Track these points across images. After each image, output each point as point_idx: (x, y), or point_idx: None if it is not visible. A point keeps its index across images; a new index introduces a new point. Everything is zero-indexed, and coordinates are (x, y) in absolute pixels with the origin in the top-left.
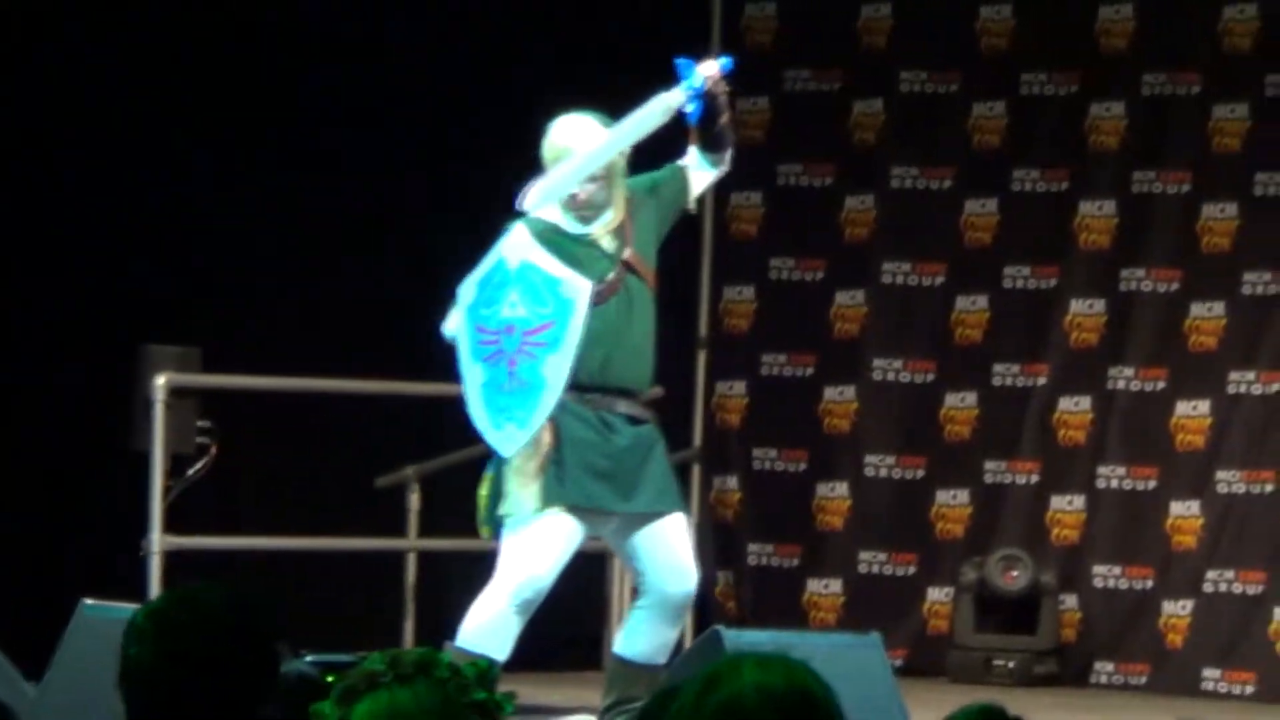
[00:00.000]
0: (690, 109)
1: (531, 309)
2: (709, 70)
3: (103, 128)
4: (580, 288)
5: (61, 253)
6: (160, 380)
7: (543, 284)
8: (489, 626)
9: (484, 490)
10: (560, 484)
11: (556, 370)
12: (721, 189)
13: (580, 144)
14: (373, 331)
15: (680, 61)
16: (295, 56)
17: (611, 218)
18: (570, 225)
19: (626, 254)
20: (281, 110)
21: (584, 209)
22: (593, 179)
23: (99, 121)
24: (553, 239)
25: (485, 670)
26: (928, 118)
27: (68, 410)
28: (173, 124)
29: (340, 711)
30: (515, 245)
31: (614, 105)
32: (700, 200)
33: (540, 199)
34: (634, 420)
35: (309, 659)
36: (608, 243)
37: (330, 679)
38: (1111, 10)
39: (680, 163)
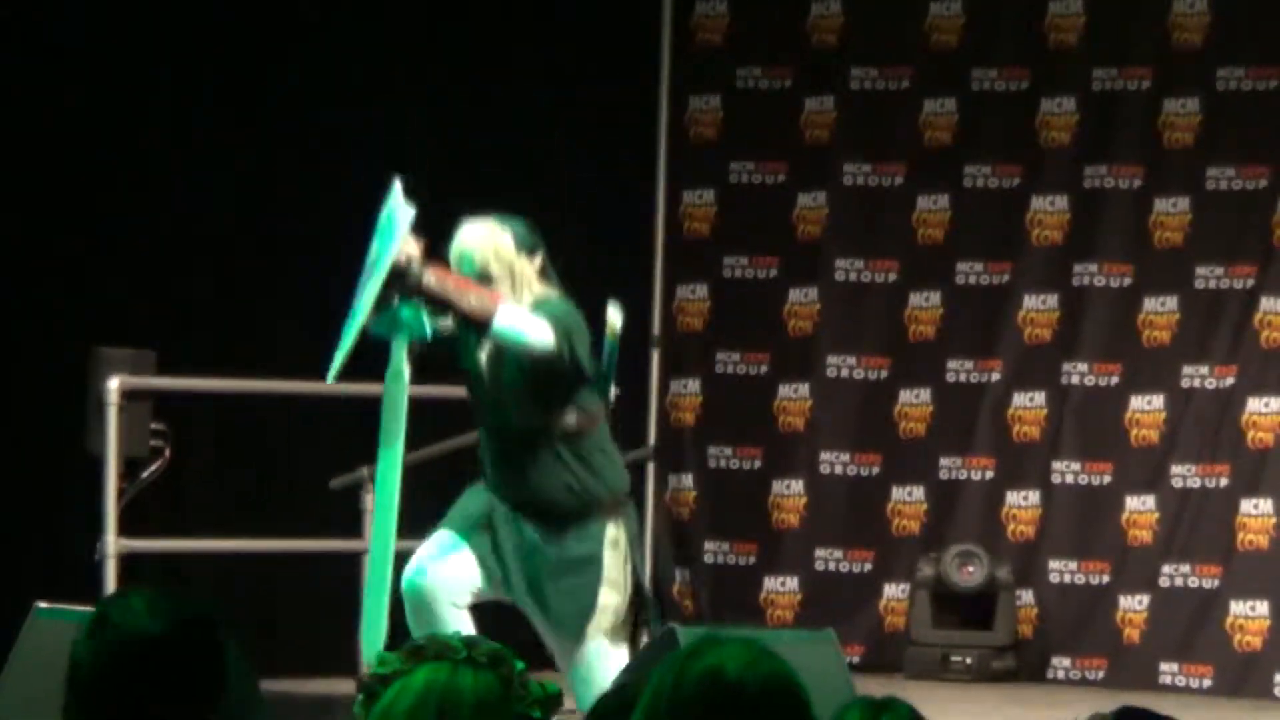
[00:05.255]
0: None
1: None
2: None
3: (57, 129)
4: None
5: (14, 254)
6: (114, 383)
7: (385, 222)
8: None
9: None
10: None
11: (367, 294)
12: (673, 187)
13: (478, 247)
14: (325, 332)
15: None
16: (252, 60)
17: None
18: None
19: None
20: (237, 112)
21: None
22: (489, 277)
23: (53, 123)
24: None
25: (552, 694)
26: (879, 115)
27: (21, 413)
28: (128, 125)
29: (405, 666)
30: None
31: (561, 111)
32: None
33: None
34: (549, 534)
35: None
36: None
37: None
38: (1061, 6)
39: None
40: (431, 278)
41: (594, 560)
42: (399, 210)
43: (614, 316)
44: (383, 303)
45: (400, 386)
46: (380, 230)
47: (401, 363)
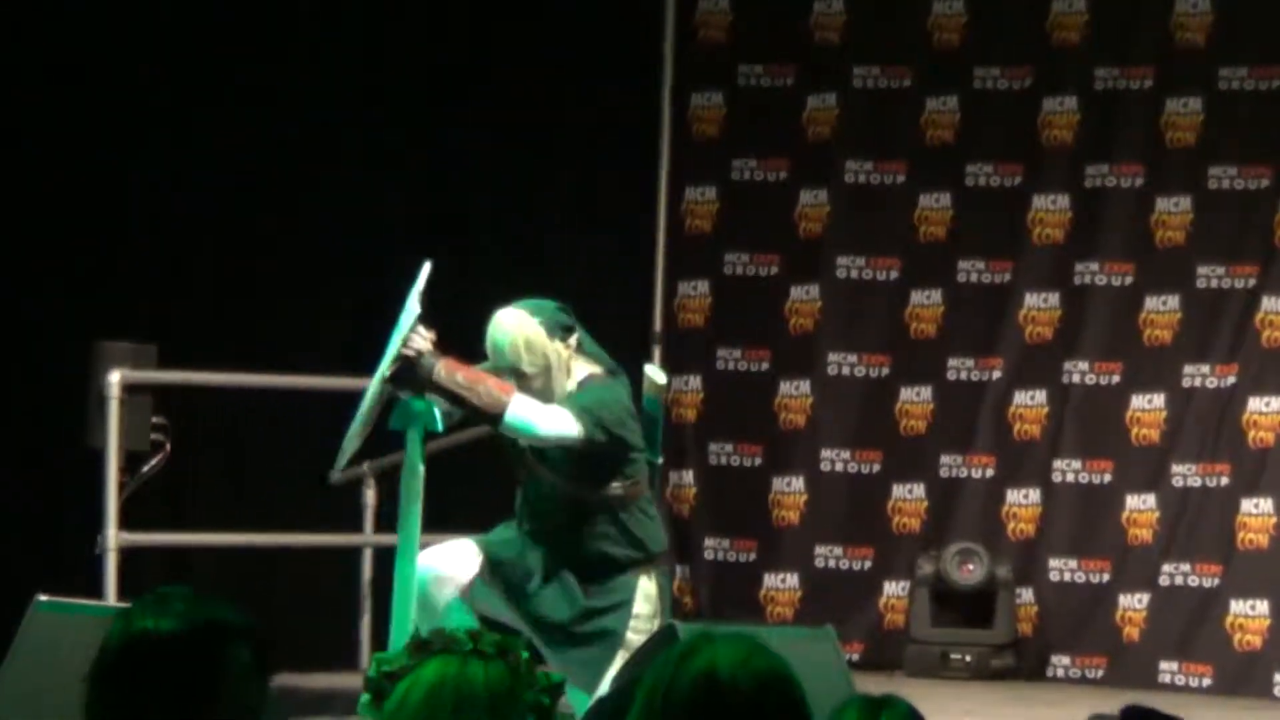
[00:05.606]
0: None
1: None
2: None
3: (57, 124)
4: (411, 311)
5: (16, 250)
6: (115, 377)
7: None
8: None
9: None
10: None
11: (371, 391)
12: (675, 184)
13: (508, 339)
14: (327, 327)
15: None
16: (252, 60)
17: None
18: None
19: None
20: (235, 108)
21: None
22: (522, 375)
23: (52, 118)
24: None
25: (556, 682)
26: (881, 112)
27: (22, 407)
28: (128, 125)
29: (412, 662)
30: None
31: (563, 109)
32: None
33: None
34: (584, 581)
35: None
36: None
37: None
38: (1064, 4)
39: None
40: (442, 371)
41: (624, 606)
42: (411, 305)
43: (655, 375)
44: (395, 395)
45: (416, 481)
46: (403, 314)
47: (417, 457)
